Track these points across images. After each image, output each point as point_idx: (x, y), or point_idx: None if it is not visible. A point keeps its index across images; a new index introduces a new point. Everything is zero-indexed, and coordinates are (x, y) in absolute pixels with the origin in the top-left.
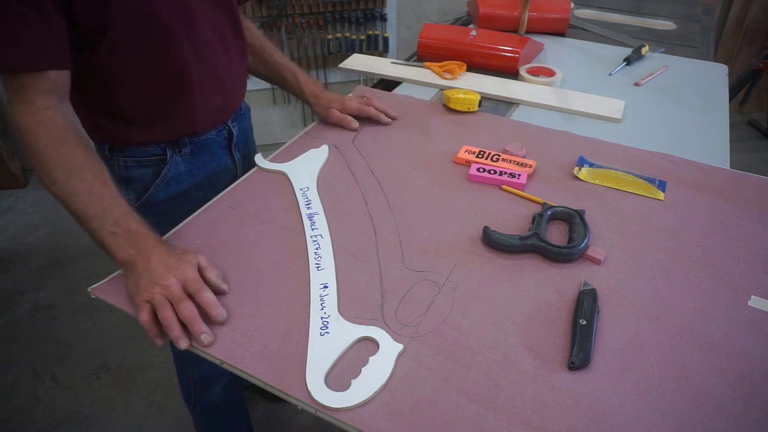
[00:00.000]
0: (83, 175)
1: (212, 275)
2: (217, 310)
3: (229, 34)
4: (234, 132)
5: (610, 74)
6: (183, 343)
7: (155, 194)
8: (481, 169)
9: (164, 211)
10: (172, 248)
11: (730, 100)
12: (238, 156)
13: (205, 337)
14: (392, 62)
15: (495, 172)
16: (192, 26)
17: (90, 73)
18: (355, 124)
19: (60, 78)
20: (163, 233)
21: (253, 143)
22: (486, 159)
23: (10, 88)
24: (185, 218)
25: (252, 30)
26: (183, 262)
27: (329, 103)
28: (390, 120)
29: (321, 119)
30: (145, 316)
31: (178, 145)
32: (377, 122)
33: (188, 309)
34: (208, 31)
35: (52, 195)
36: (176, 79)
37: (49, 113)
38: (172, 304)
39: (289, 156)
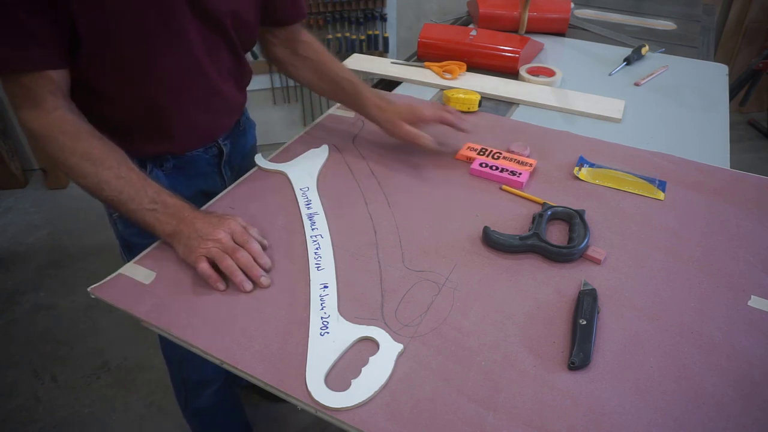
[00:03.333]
0: (108, 163)
1: (253, 231)
2: (263, 258)
3: (226, 55)
4: (225, 150)
5: (610, 74)
6: (248, 286)
7: None
8: (483, 165)
9: None
10: (210, 213)
11: (730, 100)
12: (229, 174)
13: (264, 279)
14: (392, 62)
15: (497, 169)
16: (177, 43)
17: (79, 86)
18: (430, 141)
19: (61, 78)
20: (146, 243)
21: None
22: (487, 157)
23: (17, 94)
24: None
25: (313, 44)
26: (226, 219)
27: (398, 116)
28: (466, 129)
29: (390, 135)
30: (204, 265)
31: (158, 159)
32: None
33: (245, 256)
34: (198, 50)
35: (83, 188)
36: (154, 93)
37: (60, 113)
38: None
39: (289, 156)
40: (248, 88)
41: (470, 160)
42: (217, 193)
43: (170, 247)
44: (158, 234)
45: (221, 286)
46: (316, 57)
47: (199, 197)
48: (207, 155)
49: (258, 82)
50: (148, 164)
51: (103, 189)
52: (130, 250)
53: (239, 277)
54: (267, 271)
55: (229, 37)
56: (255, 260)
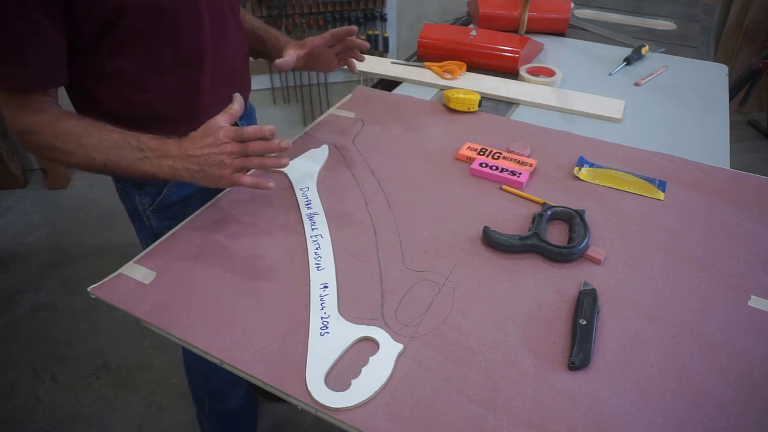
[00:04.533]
0: (90, 133)
1: (228, 115)
2: (262, 130)
3: (232, 28)
4: None
5: (610, 74)
6: (285, 160)
7: (169, 196)
8: (483, 165)
9: (179, 213)
10: (190, 134)
11: (730, 100)
12: None
13: (284, 142)
14: (392, 62)
15: (497, 169)
16: (198, 21)
17: (98, 77)
18: (281, 61)
19: (53, 90)
20: None
21: None
22: (487, 156)
23: (4, 101)
24: None
25: None
26: (210, 129)
27: (295, 43)
28: (364, 44)
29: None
30: (246, 178)
31: None
32: (377, 122)
33: (256, 144)
34: (212, 27)
35: (77, 167)
36: (184, 77)
37: (44, 107)
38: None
39: (288, 156)
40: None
41: (470, 160)
42: None
43: (173, 243)
44: (159, 177)
45: (271, 183)
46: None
47: None
48: None
49: (258, 82)
50: None
51: (94, 158)
52: None
53: (271, 161)
54: (275, 133)
55: (234, 11)
56: (259, 134)
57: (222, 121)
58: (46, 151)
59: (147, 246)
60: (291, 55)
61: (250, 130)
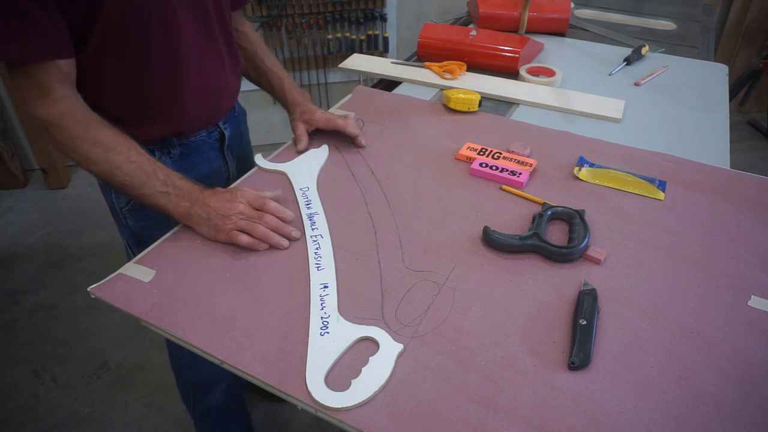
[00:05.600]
0: (118, 149)
1: (266, 192)
2: (285, 212)
3: (219, 33)
4: (226, 134)
5: (610, 74)
6: (285, 243)
7: None
8: (483, 165)
9: (155, 213)
10: (218, 189)
11: (730, 100)
12: (231, 159)
13: (294, 232)
14: (392, 62)
15: (497, 169)
16: (174, 25)
17: (84, 75)
18: (301, 146)
19: (69, 68)
20: (158, 236)
21: (249, 146)
22: (487, 156)
23: (24, 86)
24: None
25: (249, 34)
26: (236, 191)
27: (301, 116)
28: (358, 136)
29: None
30: (245, 239)
31: (166, 146)
32: (377, 122)
33: (272, 219)
34: (195, 30)
35: (92, 174)
36: (162, 77)
37: (69, 101)
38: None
39: (289, 156)
40: (249, 89)
41: (470, 160)
42: (221, 176)
43: (173, 242)
44: (172, 215)
45: (265, 246)
46: (251, 48)
47: (204, 182)
48: (210, 139)
49: None
50: (156, 152)
51: (115, 174)
52: (140, 245)
53: (275, 238)
54: (292, 220)
55: (222, 17)
56: (278, 215)
57: (251, 188)
58: (67, 150)
59: (129, 243)
60: (303, 133)
61: (273, 205)
